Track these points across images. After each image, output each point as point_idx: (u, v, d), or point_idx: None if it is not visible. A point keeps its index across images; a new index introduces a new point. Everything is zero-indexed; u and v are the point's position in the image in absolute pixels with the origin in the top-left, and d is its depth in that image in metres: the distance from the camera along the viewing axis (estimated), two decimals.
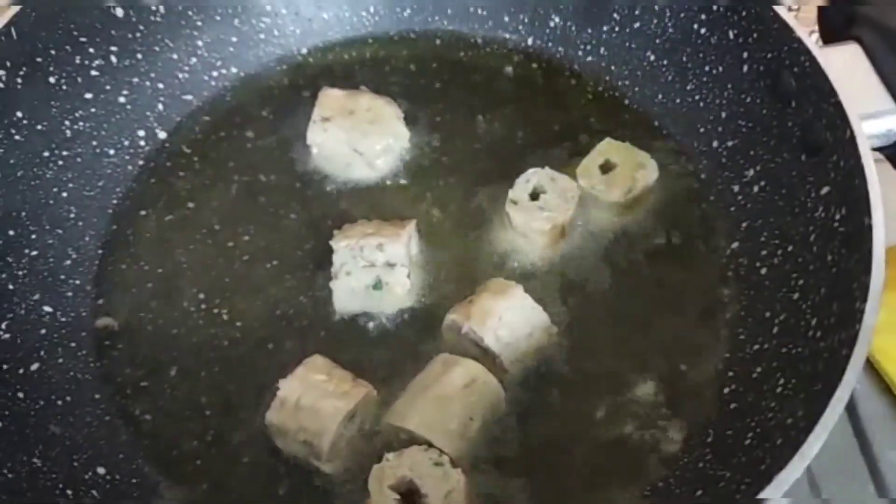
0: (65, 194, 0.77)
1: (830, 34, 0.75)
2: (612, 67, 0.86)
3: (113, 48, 0.80)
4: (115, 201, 0.80)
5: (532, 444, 0.66)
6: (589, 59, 0.87)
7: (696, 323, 0.72)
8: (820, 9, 0.78)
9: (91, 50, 0.78)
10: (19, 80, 0.73)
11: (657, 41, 0.83)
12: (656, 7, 0.81)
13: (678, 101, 0.82)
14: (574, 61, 0.87)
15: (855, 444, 0.72)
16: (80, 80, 0.78)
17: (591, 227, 0.76)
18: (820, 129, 0.67)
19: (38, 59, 0.74)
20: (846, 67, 0.70)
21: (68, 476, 0.64)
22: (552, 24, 0.88)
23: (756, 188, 0.75)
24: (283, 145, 0.82)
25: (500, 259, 0.75)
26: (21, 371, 0.68)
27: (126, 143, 0.81)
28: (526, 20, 0.88)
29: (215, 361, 0.71)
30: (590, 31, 0.86)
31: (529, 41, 0.89)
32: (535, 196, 0.74)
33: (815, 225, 0.67)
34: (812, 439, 0.52)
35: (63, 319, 0.72)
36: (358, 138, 0.78)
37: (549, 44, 0.88)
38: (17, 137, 0.73)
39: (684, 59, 0.81)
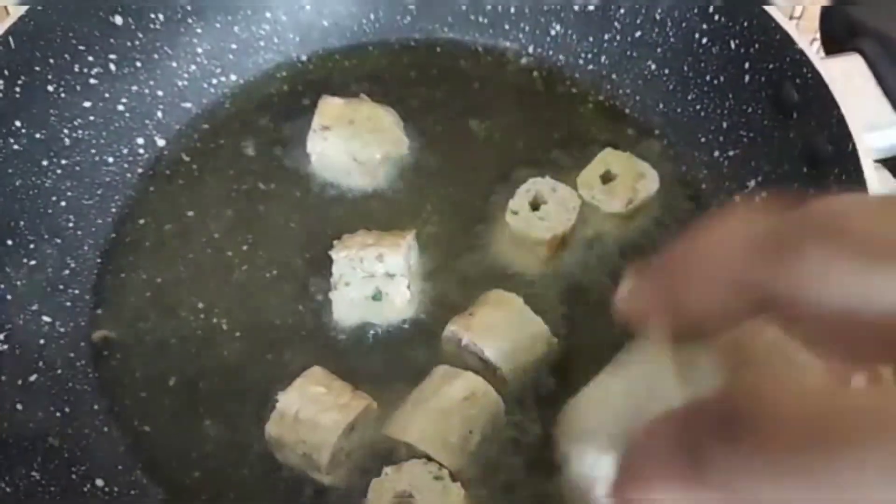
0: (63, 203, 0.76)
1: (833, 45, 0.75)
2: (613, 76, 0.85)
3: (112, 56, 0.79)
4: (113, 210, 0.79)
5: (532, 456, 0.65)
6: (590, 67, 0.86)
7: None
8: (822, 19, 0.77)
9: (90, 58, 0.78)
10: (18, 89, 0.72)
11: (658, 50, 0.82)
12: (657, 16, 0.81)
13: (679, 110, 0.82)
14: (575, 70, 0.87)
15: None
16: (78, 88, 0.77)
17: (591, 237, 0.76)
18: (822, 140, 0.67)
19: (37, 68, 0.74)
20: (848, 79, 0.69)
21: (66, 489, 0.63)
22: (553, 33, 0.87)
23: (757, 199, 0.74)
24: (282, 153, 0.82)
25: (501, 269, 0.74)
26: (20, 382, 0.67)
27: (125, 151, 0.81)
28: (527, 28, 0.88)
29: (214, 372, 0.70)
30: (591, 39, 0.86)
31: (530, 49, 0.88)
32: (535, 206, 0.73)
33: None
34: None
35: (62, 329, 0.72)
36: (358, 147, 0.78)
37: (550, 52, 0.88)
38: (15, 146, 0.73)
39: (685, 68, 0.81)
